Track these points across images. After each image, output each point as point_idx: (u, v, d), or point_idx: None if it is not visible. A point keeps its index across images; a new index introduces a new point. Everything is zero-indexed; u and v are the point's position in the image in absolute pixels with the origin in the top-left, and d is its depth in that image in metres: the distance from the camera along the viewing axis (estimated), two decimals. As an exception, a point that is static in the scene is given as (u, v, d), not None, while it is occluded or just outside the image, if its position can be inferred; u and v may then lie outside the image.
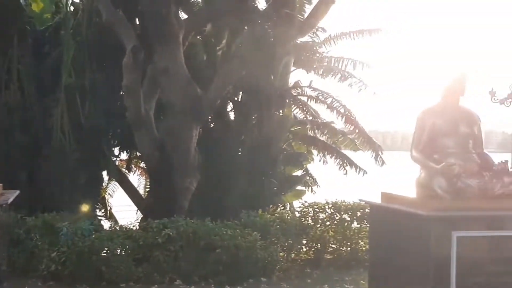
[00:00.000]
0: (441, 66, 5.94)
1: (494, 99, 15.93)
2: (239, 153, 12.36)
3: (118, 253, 8.22)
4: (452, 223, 5.05)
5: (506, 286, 5.18)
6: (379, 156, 13.48)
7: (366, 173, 13.53)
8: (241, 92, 12.90)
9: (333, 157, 13.61)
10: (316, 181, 14.20)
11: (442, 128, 5.61)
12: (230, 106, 13.23)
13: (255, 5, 12.26)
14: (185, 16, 12.12)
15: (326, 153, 13.74)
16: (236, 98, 13.09)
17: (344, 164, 13.68)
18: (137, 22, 11.69)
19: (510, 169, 5.53)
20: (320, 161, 14.27)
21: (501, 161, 5.41)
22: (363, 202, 7.67)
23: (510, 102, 15.89)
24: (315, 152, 14.26)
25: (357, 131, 13.39)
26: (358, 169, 13.49)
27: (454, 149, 5.54)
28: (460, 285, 4.99)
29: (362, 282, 7.67)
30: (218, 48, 12.70)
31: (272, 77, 12.12)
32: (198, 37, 12.86)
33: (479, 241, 5.13)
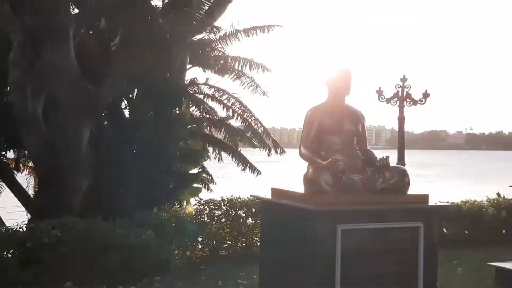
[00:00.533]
0: (332, 66, 6.12)
1: (382, 98, 16.77)
2: (134, 151, 12.19)
3: (4, 256, 7.86)
4: (337, 216, 5.28)
5: (388, 276, 5.49)
6: (274, 152, 13.79)
7: (260, 173, 13.81)
8: (136, 89, 12.72)
9: (230, 154, 13.76)
10: (212, 179, 14.30)
11: (328, 126, 5.85)
12: (124, 104, 13.01)
13: (150, 1, 12.12)
14: (77, 11, 11.76)
15: (222, 151, 13.86)
16: (131, 96, 12.89)
17: (242, 162, 13.87)
18: (26, 17, 11.22)
19: (391, 165, 5.84)
20: (215, 158, 14.38)
21: (383, 157, 5.70)
22: (255, 198, 7.81)
23: (397, 101, 16.76)
24: (211, 149, 14.36)
25: (259, 129, 13.63)
26: (252, 169, 13.74)
27: (339, 146, 5.81)
28: (344, 276, 5.23)
29: (255, 277, 7.81)
30: (112, 44, 12.43)
31: (168, 75, 12.06)
32: (91, 32, 12.53)
33: (362, 233, 5.40)
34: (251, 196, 7.40)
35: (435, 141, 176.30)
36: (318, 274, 5.26)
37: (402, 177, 5.63)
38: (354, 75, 6.00)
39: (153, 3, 12.17)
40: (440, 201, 12.01)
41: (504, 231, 12.13)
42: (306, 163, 5.89)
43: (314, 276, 5.28)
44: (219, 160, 14.44)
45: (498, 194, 13.55)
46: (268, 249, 6.23)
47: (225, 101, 13.21)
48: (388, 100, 15.69)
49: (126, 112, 12.98)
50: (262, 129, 13.99)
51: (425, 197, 5.72)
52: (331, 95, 5.99)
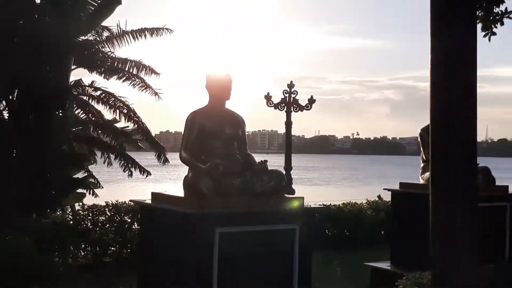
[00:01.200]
0: (213, 70, 6.18)
1: (270, 103, 17.08)
2: (14, 155, 11.61)
3: None
4: (215, 220, 5.33)
5: (265, 278, 5.61)
6: (162, 156, 13.64)
7: (150, 174, 13.64)
8: (16, 91, 12.13)
9: (117, 158, 13.45)
10: (99, 183, 13.92)
11: (209, 130, 5.90)
12: (3, 105, 12.36)
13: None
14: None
15: (110, 154, 13.53)
16: (10, 97, 12.27)
17: (129, 166, 13.59)
18: None
19: (270, 169, 5.98)
20: (104, 162, 14.02)
21: (261, 161, 5.83)
22: (133, 203, 7.70)
23: (284, 106, 17.13)
24: (99, 153, 13.98)
25: (146, 132, 13.41)
26: (142, 171, 13.53)
27: (220, 150, 5.87)
28: (221, 279, 5.28)
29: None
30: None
31: (51, 75, 11.61)
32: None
33: (241, 236, 5.48)
34: (130, 201, 7.29)
35: (325, 145, 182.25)
36: (195, 278, 5.28)
37: (280, 181, 5.78)
38: (235, 80, 6.09)
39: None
40: (323, 204, 12.56)
41: (382, 232, 12.78)
42: (187, 167, 5.91)
43: (192, 280, 5.29)
44: (108, 164, 14.09)
45: (379, 197, 14.26)
46: (148, 254, 6.16)
47: (112, 104, 12.89)
48: (276, 106, 16.04)
49: (5, 114, 12.32)
50: (151, 133, 13.83)
51: (300, 200, 5.91)
52: (211, 99, 6.05)
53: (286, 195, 5.99)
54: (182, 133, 6.05)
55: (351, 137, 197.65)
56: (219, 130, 5.93)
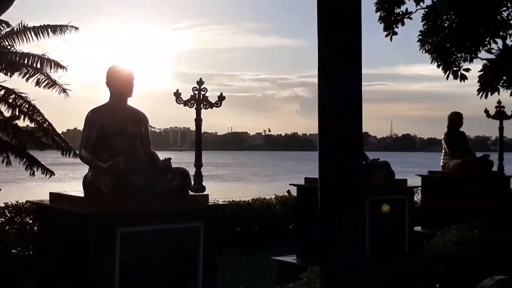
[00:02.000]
0: (113, 66, 6.00)
1: (179, 100, 16.91)
2: None
3: None
4: (117, 220, 5.18)
5: (170, 276, 5.52)
6: (68, 155, 13.20)
7: (54, 174, 13.15)
8: None
9: (18, 157, 12.87)
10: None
11: (110, 128, 5.72)
12: None
13: None
14: None
15: (9, 154, 12.90)
16: None
17: (31, 165, 13.05)
18: None
19: (174, 166, 5.89)
20: (3, 162, 13.36)
21: (165, 159, 5.72)
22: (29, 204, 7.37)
23: (194, 103, 17.02)
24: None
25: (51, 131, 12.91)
26: (45, 171, 13.03)
27: (122, 148, 5.70)
28: (123, 280, 5.14)
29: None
30: None
31: None
32: None
33: (144, 236, 5.36)
34: (26, 202, 6.96)
35: (237, 142, 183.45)
36: (97, 281, 5.11)
37: (184, 179, 5.70)
38: (136, 77, 5.95)
39: None
40: (232, 200, 12.56)
41: (291, 226, 12.98)
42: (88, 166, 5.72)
43: (93, 283, 5.12)
44: (7, 164, 13.45)
45: (289, 192, 14.46)
46: (47, 257, 5.90)
47: (11, 102, 12.31)
48: (185, 103, 15.88)
49: None
50: (57, 130, 13.32)
51: (205, 197, 5.87)
52: (113, 96, 5.88)
53: (191, 192, 5.92)
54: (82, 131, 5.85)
55: (263, 134, 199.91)
56: (120, 128, 5.76)
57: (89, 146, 5.69)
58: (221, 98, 16.19)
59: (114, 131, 5.72)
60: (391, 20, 17.42)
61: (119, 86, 5.81)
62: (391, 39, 17.86)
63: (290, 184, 10.38)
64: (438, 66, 17.84)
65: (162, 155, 5.87)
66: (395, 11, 17.34)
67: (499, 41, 17.27)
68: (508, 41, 17.05)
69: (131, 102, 6.09)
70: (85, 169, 5.80)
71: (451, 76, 18.03)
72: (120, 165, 5.35)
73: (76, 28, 13.04)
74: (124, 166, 5.37)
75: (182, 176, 5.71)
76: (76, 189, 6.04)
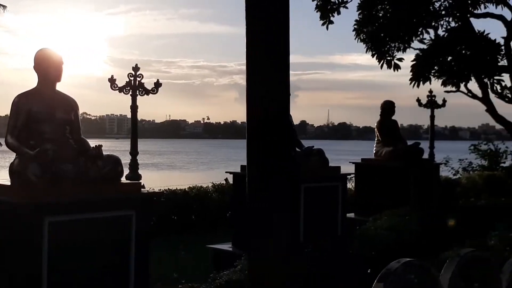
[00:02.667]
0: (41, 50, 5.81)
1: (114, 86, 16.58)
2: None
3: None
4: (45, 209, 5.03)
5: (102, 267, 5.42)
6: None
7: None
8: None
9: None
10: None
11: (38, 114, 5.53)
12: None
13: None
14: None
15: None
16: None
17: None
18: None
19: (105, 154, 5.77)
20: None
21: (96, 146, 5.59)
22: None
23: (129, 90, 16.71)
24: None
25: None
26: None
27: (50, 135, 5.52)
28: (53, 270, 5.01)
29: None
30: None
31: None
32: None
33: (74, 225, 5.23)
34: None
35: (176, 130, 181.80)
36: (24, 273, 4.96)
37: (115, 166, 5.59)
38: (66, 61, 5.78)
39: None
40: (168, 188, 12.47)
41: (228, 214, 12.99)
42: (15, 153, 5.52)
43: (20, 276, 4.97)
44: None
45: (226, 180, 14.46)
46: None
47: None
48: (121, 89, 15.59)
49: None
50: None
51: (138, 186, 5.79)
52: (41, 81, 5.68)
53: (123, 180, 5.82)
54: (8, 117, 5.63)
55: (202, 122, 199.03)
56: (49, 114, 5.58)
57: (16, 133, 5.48)
58: (157, 84, 16.00)
59: (42, 117, 5.53)
60: (327, 9, 17.69)
61: (47, 71, 5.61)
62: (327, 27, 18.10)
63: (226, 172, 10.38)
64: (373, 56, 18.24)
65: (96, 143, 5.72)
66: (331, 0, 17.64)
67: (431, 32, 17.82)
68: (440, 32, 17.60)
69: (64, 88, 5.92)
70: (12, 156, 5.60)
71: (385, 66, 18.51)
72: (48, 152, 5.20)
73: (4, 7, 12.57)
74: (53, 153, 5.22)
75: (113, 163, 5.60)
76: (2, 177, 5.83)
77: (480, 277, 4.89)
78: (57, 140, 5.52)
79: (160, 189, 10.81)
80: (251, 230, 3.10)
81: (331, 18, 17.99)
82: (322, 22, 18.10)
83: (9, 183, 5.32)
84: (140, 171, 15.37)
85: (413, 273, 3.77)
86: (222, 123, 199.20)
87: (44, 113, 5.56)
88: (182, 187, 13.12)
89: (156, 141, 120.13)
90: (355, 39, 18.35)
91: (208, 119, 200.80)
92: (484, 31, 17.52)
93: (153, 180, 20.73)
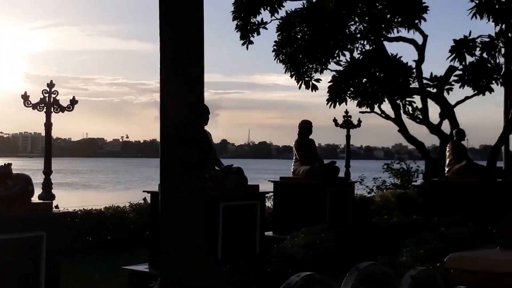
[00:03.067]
0: None
1: (28, 103, 16.03)
2: None
3: None
4: None
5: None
6: None
7: None
8: None
9: None
10: None
11: None
12: None
13: None
14: None
15: None
16: None
17: None
18: None
19: (19, 173, 5.57)
20: None
21: (5, 164, 5.39)
22: None
23: (43, 107, 16.22)
24: None
25: None
26: None
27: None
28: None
29: None
30: None
31: None
32: None
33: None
34: None
35: (93, 148, 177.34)
36: None
37: (26, 185, 5.41)
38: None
39: None
40: (83, 208, 12.14)
41: (146, 234, 12.76)
42: None
43: None
44: None
45: (145, 200, 14.23)
46: None
47: None
48: (34, 106, 15.09)
49: None
50: None
51: (49, 205, 5.61)
52: None
53: (34, 200, 5.62)
54: None
55: (121, 140, 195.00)
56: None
57: None
58: (73, 102, 15.57)
59: None
60: (247, 29, 17.99)
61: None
62: (247, 47, 18.43)
63: (143, 191, 10.22)
64: (291, 76, 18.70)
65: (7, 162, 5.51)
66: (251, 20, 17.94)
67: (347, 54, 18.47)
68: (355, 54, 18.31)
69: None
70: None
71: (303, 86, 18.94)
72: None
73: None
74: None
75: (24, 182, 5.42)
76: None
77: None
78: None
79: (74, 209, 10.48)
80: (164, 250, 3.07)
81: (251, 39, 18.44)
82: (242, 42, 18.48)
83: None
84: (54, 191, 14.87)
85: (313, 287, 3.83)
86: (141, 141, 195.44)
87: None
88: (98, 207, 12.80)
89: (73, 159, 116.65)
90: (274, 59, 18.77)
91: (127, 137, 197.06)
92: (397, 54, 18.39)
93: (68, 200, 20.11)
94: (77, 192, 39.25)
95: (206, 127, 9.79)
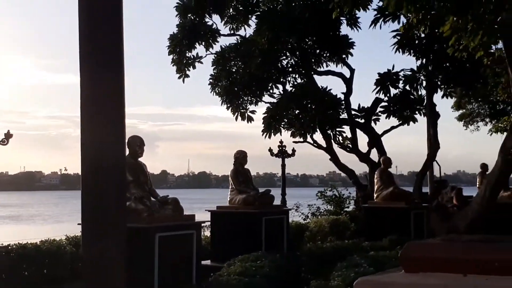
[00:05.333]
0: None
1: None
2: None
3: None
4: None
5: None
6: None
7: None
8: None
9: None
10: None
11: None
12: None
13: None
14: None
15: None
16: None
17: None
18: None
19: None
20: None
21: None
22: None
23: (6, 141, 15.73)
24: None
25: None
26: None
27: None
28: None
29: None
30: None
31: None
32: None
33: None
34: None
35: (31, 182, 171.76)
36: None
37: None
38: None
39: None
40: (18, 243, 11.75)
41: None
42: None
43: None
44: None
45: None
46: None
47: None
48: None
49: None
50: None
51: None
52: None
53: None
54: None
55: (59, 173, 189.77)
56: None
57: None
58: (8, 135, 15.22)
59: None
60: (183, 63, 18.11)
61: None
62: (183, 81, 18.54)
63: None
64: (227, 108, 18.90)
65: None
66: (187, 55, 18.09)
67: (280, 86, 18.87)
68: (287, 87, 18.73)
69: None
70: None
71: (239, 118, 19.16)
72: None
73: None
74: None
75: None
76: None
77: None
78: None
79: (8, 244, 10.13)
80: (88, 282, 3.06)
81: (187, 72, 18.54)
82: (178, 75, 18.55)
83: None
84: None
85: None
86: (80, 174, 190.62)
87: None
88: (33, 240, 12.39)
89: (10, 193, 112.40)
90: (210, 92, 18.93)
91: (66, 170, 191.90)
92: (326, 87, 18.94)
93: (6, 233, 19.36)
94: (7, 226, 37.73)
95: (141, 159, 9.75)
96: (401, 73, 17.93)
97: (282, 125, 18.17)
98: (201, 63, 18.20)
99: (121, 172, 2.62)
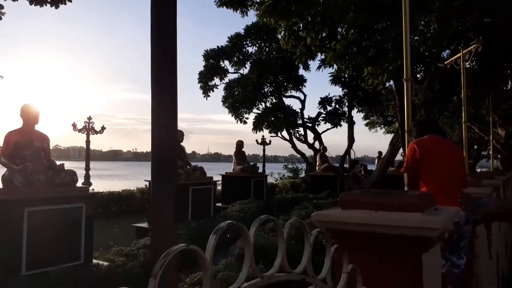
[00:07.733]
0: (24, 104, 5.28)
1: (75, 129, 15.12)
2: None
3: None
4: (25, 203, 4.58)
5: (63, 244, 4.97)
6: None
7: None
8: None
9: None
10: None
11: (22, 143, 5.06)
12: None
13: None
14: None
15: None
16: None
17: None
18: None
19: (67, 169, 5.38)
20: None
21: (60, 164, 5.20)
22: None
23: (85, 131, 15.36)
24: None
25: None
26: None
27: (30, 157, 5.07)
28: (31, 248, 4.54)
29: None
30: None
31: None
32: None
33: (45, 214, 4.80)
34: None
35: (115, 156, 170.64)
36: (7, 252, 4.42)
37: (73, 177, 5.26)
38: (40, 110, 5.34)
39: None
40: (106, 191, 11.64)
41: (146, 206, 12.42)
42: (6, 169, 4.96)
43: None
44: None
45: (146, 185, 13.81)
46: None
47: None
48: (80, 131, 14.46)
49: None
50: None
51: (86, 188, 5.45)
52: (24, 123, 5.20)
53: (78, 185, 5.45)
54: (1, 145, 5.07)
55: (132, 151, 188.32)
56: (29, 143, 5.13)
57: (7, 155, 4.96)
58: (103, 128, 14.97)
59: (24, 146, 5.07)
60: (206, 89, 18.04)
61: (27, 116, 5.17)
62: (206, 98, 18.41)
63: (145, 180, 9.95)
64: (232, 115, 18.81)
65: (62, 163, 5.31)
66: (209, 83, 18.02)
67: (263, 104, 18.76)
68: (268, 104, 18.65)
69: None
70: (3, 170, 5.03)
71: (239, 121, 19.05)
72: (28, 168, 4.76)
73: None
74: (32, 168, 4.79)
75: (71, 175, 5.26)
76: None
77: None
78: (34, 160, 5.07)
79: (102, 191, 10.12)
80: (152, 213, 3.09)
81: (209, 93, 18.54)
82: (203, 95, 18.54)
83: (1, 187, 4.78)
84: (91, 180, 14.27)
85: (232, 228, 3.93)
86: (145, 152, 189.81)
87: (26, 143, 5.09)
88: (116, 189, 12.38)
89: (102, 162, 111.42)
90: (222, 106, 18.93)
91: (136, 149, 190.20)
92: (290, 105, 18.99)
93: (102, 185, 19.20)
94: (106, 181, 37.48)
95: (182, 143, 9.76)
96: (333, 98, 18.04)
97: (264, 126, 18.18)
98: (217, 88, 18.17)
99: (172, 150, 2.67)
